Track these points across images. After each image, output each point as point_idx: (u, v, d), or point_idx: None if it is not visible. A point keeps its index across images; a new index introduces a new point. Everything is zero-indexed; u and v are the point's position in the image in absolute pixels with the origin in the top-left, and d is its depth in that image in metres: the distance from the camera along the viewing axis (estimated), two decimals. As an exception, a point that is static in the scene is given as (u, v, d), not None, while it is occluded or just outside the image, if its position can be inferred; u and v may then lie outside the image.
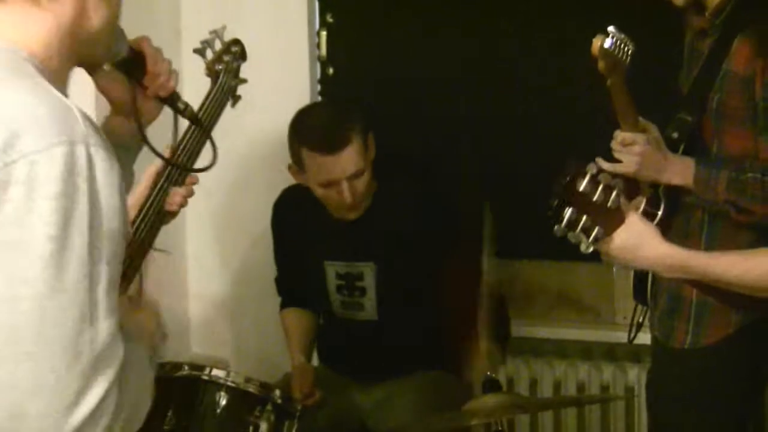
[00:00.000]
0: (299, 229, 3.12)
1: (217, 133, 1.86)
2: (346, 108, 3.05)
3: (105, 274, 1.30)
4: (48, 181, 1.25)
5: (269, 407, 2.51)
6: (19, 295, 1.25)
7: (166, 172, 1.80)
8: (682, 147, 2.57)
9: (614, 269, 3.12)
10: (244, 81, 1.97)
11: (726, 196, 2.48)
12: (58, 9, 1.43)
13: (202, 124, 1.83)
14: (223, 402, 2.52)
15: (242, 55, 1.97)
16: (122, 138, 1.74)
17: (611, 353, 3.46)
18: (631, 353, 3.27)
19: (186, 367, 2.54)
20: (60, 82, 1.45)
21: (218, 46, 1.93)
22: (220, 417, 2.54)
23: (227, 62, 1.95)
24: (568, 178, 2.09)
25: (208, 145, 1.86)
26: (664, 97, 2.80)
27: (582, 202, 2.12)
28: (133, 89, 1.71)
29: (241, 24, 3.03)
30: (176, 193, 1.86)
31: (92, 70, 1.62)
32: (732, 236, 2.53)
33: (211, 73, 1.93)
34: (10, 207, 1.25)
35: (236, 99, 1.96)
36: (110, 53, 1.60)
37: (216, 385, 2.52)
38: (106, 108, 1.78)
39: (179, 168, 1.81)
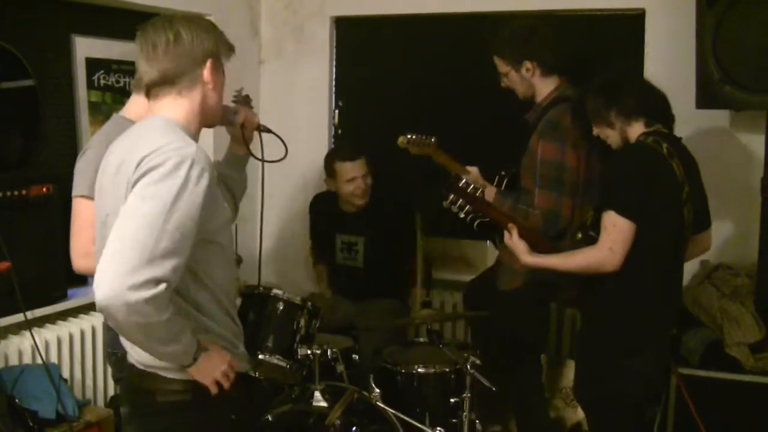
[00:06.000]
0: (322, 216, 4.12)
1: (283, 164, 2.51)
2: (359, 147, 3.96)
3: (172, 228, 1.63)
4: (162, 169, 1.67)
5: (305, 311, 2.96)
6: (134, 210, 1.63)
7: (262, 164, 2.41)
8: (505, 182, 3.33)
9: (487, 243, 3.97)
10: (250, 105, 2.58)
11: (507, 212, 3.09)
12: (192, 97, 1.86)
13: (266, 131, 2.44)
14: (281, 307, 2.94)
15: (249, 100, 2.67)
16: (239, 155, 2.40)
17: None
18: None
19: (261, 288, 2.95)
20: (194, 137, 1.85)
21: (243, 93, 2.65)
22: (279, 316, 2.94)
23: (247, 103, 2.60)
24: (455, 177, 2.86)
25: (279, 145, 2.44)
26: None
27: (460, 191, 2.80)
28: (241, 129, 2.35)
29: (296, 107, 4.19)
30: None
31: (211, 128, 2.06)
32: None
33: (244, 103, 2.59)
34: (147, 178, 1.68)
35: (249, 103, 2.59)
36: (220, 120, 2.10)
37: (277, 298, 2.93)
38: (221, 149, 2.47)
39: (266, 161, 2.44)
